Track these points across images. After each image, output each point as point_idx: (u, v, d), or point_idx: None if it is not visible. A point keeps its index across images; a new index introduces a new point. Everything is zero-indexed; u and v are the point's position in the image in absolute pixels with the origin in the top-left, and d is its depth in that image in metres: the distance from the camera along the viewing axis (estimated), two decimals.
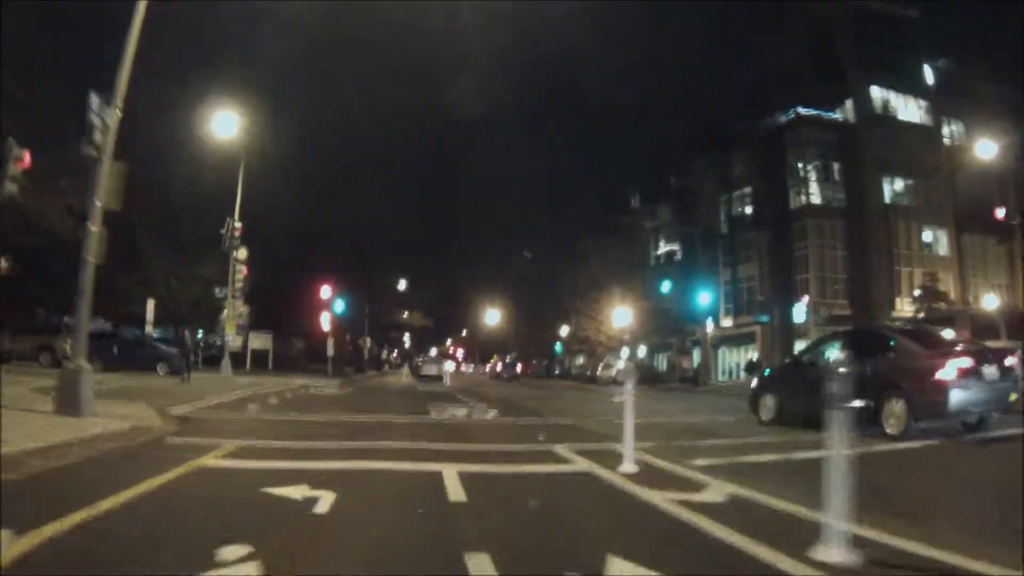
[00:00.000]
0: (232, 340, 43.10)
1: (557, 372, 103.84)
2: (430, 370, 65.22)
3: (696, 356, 73.05)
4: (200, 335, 58.65)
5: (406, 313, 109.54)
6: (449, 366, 71.56)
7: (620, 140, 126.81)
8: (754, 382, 20.83)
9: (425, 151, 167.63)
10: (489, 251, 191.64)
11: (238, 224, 41.63)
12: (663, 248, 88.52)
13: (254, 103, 45.16)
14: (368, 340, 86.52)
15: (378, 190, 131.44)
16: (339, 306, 58.49)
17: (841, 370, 6.05)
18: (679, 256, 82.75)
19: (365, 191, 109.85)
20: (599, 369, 73.16)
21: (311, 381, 40.89)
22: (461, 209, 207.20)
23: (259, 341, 56.28)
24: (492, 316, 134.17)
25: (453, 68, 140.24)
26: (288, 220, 62.45)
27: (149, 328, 45.49)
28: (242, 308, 43.51)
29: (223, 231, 41.45)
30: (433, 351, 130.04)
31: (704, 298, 65.11)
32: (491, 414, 20.56)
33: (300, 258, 64.75)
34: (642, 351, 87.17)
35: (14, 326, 41.00)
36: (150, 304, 45.58)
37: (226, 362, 42.14)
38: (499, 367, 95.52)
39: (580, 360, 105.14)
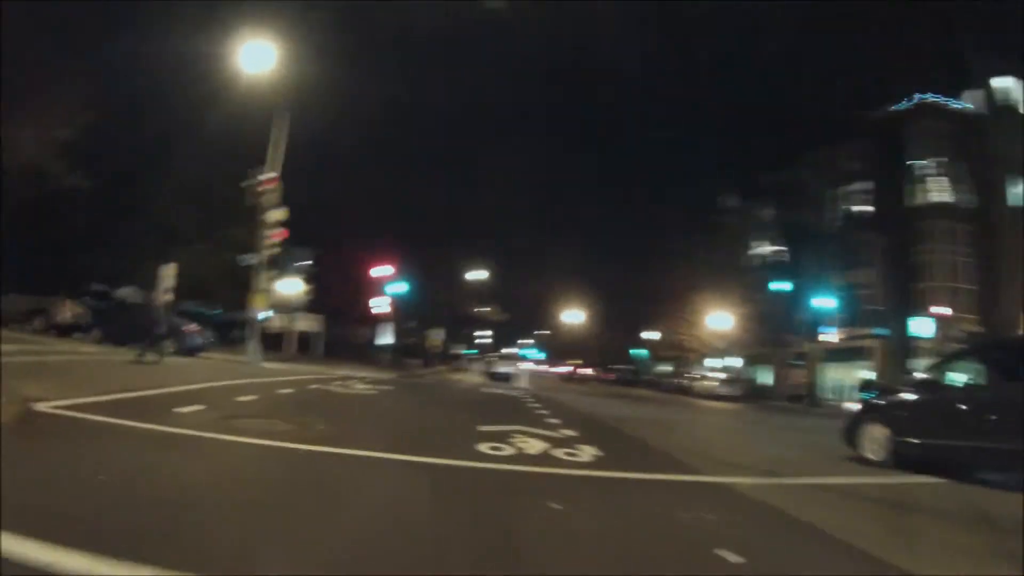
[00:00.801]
0: (261, 316, 34.84)
1: (643, 378, 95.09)
2: (503, 368, 57.60)
3: (806, 371, 64.82)
4: (218, 311, 50.86)
5: (483, 307, 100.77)
6: (524, 365, 63.53)
7: (715, 132, 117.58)
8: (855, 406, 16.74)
9: (524, 140, 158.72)
10: (575, 246, 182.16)
11: (270, 174, 33.62)
12: (762, 250, 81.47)
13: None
14: (439, 332, 78.35)
15: (465, 173, 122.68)
16: (400, 288, 49.96)
17: None
18: (781, 259, 75.56)
19: (451, 170, 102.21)
20: (695, 378, 65.67)
21: (355, 373, 34.17)
22: (547, 202, 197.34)
23: (307, 323, 48.31)
24: (574, 316, 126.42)
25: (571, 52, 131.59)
26: (360, 194, 54.91)
27: (166, 296, 37.59)
28: (271, 275, 35.29)
29: (249, 182, 33.55)
30: (509, 349, 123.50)
31: (822, 303, 59.99)
32: (585, 453, 11.49)
33: (371, 236, 56.85)
34: (734, 362, 79.99)
35: (7, 286, 36.05)
36: (168, 269, 37.73)
37: (253, 345, 34.20)
38: (570, 370, 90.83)
39: (665, 368, 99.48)
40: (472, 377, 57.41)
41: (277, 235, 34.89)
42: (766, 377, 74.18)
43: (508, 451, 10.73)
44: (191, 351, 31.88)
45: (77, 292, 36.78)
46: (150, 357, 22.20)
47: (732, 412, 38.04)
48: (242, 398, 14.50)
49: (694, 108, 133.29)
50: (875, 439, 13.72)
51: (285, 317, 48.49)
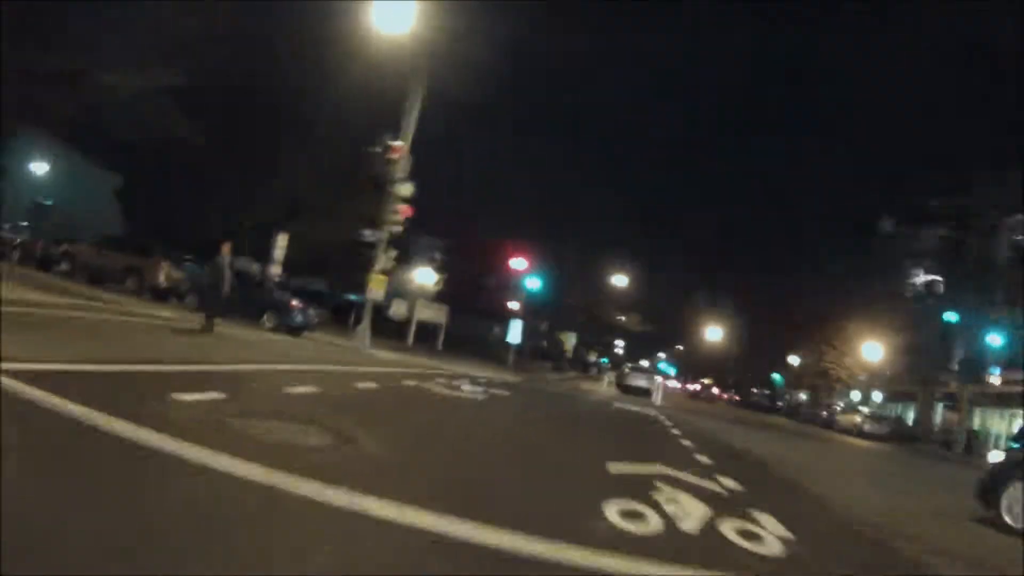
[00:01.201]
0: (375, 297, 31.40)
1: (779, 405, 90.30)
2: (638, 381, 53.11)
3: (957, 413, 59.23)
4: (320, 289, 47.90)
5: (622, 315, 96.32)
6: (661, 380, 59.07)
7: (877, 154, 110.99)
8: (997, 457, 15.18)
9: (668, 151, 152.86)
10: (723, 261, 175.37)
11: (397, 143, 30.25)
12: (921, 279, 73.75)
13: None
14: (572, 336, 74.44)
15: (612, 172, 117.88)
16: (534, 284, 46.11)
17: None
18: (939, 289, 68.07)
19: (598, 167, 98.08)
20: (837, 412, 61.08)
21: (471, 372, 30.51)
22: (690, 211, 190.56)
23: (429, 312, 44.88)
24: (713, 333, 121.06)
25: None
26: (499, 176, 51.47)
27: (276, 270, 34.79)
28: (392, 255, 31.81)
29: (373, 148, 30.22)
30: (643, 362, 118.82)
31: (986, 340, 54.00)
32: (767, 530, 7.11)
33: (507, 225, 53.46)
34: (875, 396, 75.56)
35: (104, 241, 34.44)
36: (281, 239, 34.91)
37: (363, 327, 30.95)
38: (697, 387, 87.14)
39: (800, 395, 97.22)
40: (604, 388, 53.62)
41: (402, 211, 31.56)
42: (909, 416, 69.00)
43: (653, 523, 6.59)
44: (293, 328, 29.19)
45: (176, 254, 33.85)
46: (197, 324, 18.72)
47: (887, 455, 33.57)
48: (296, 389, 10.68)
49: (855, 128, 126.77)
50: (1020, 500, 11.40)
51: (405, 304, 45.26)
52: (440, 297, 49.82)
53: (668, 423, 23.64)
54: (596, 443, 13.29)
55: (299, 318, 29.58)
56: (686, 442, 16.54)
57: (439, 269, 61.13)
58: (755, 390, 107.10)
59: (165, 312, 23.33)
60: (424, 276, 60.63)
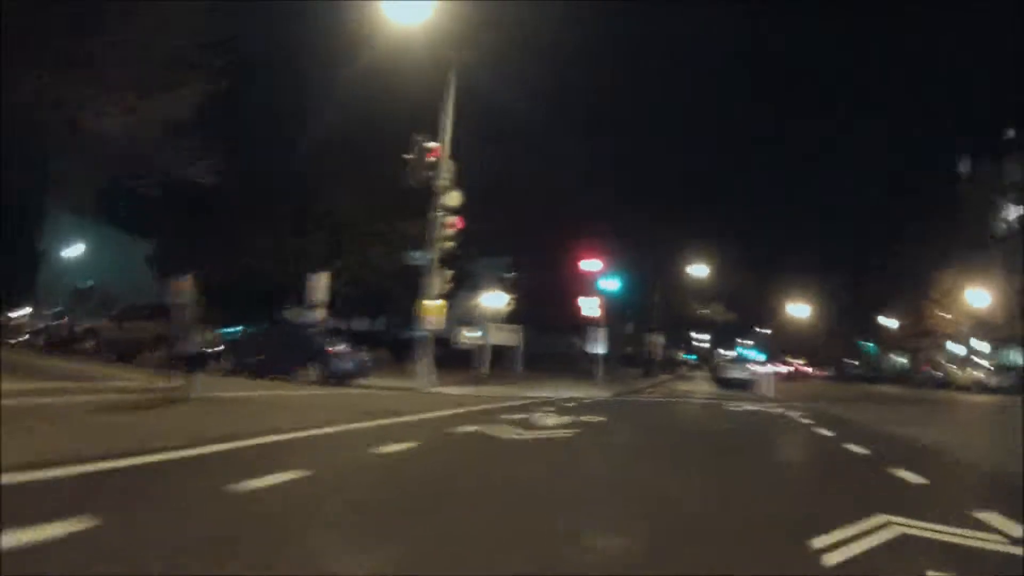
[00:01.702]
0: (434, 327, 27.12)
1: (869, 375, 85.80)
2: (736, 373, 48.90)
3: None
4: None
5: (704, 307, 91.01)
6: (760, 368, 54.25)
7: (949, 89, 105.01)
8: None
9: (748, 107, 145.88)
10: (800, 234, 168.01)
11: (432, 144, 26.07)
12: (1015, 214, 71.29)
13: None
14: (659, 336, 69.49)
15: (675, 157, 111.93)
16: (612, 284, 41.36)
17: None
18: None
19: (659, 153, 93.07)
20: (951, 369, 56.34)
21: (557, 393, 26.76)
22: (759, 187, 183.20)
23: (502, 335, 40.42)
24: (798, 310, 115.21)
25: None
26: (555, 173, 47.31)
27: (320, 313, 30.58)
28: (447, 277, 27.48)
29: (410, 155, 26.07)
30: (728, 351, 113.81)
31: None
32: None
33: (573, 225, 48.84)
34: (980, 346, 70.27)
35: (127, 311, 31.11)
36: (320, 276, 30.66)
37: (424, 363, 26.78)
38: (791, 369, 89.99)
39: (900, 359, 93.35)
40: (700, 386, 48.95)
41: (452, 225, 27.29)
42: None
43: None
44: (340, 377, 25.15)
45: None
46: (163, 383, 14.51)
47: None
48: (265, 480, 6.26)
49: (916, 70, 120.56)
50: None
51: (475, 330, 40.93)
52: (514, 317, 45.37)
53: (803, 419, 19.54)
54: (748, 482, 8.74)
55: (344, 365, 25.48)
56: (855, 448, 12.11)
57: (508, 289, 56.72)
58: (846, 361, 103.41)
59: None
60: (493, 300, 56.35)
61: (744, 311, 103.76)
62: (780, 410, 23.92)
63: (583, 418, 15.69)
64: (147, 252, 48.29)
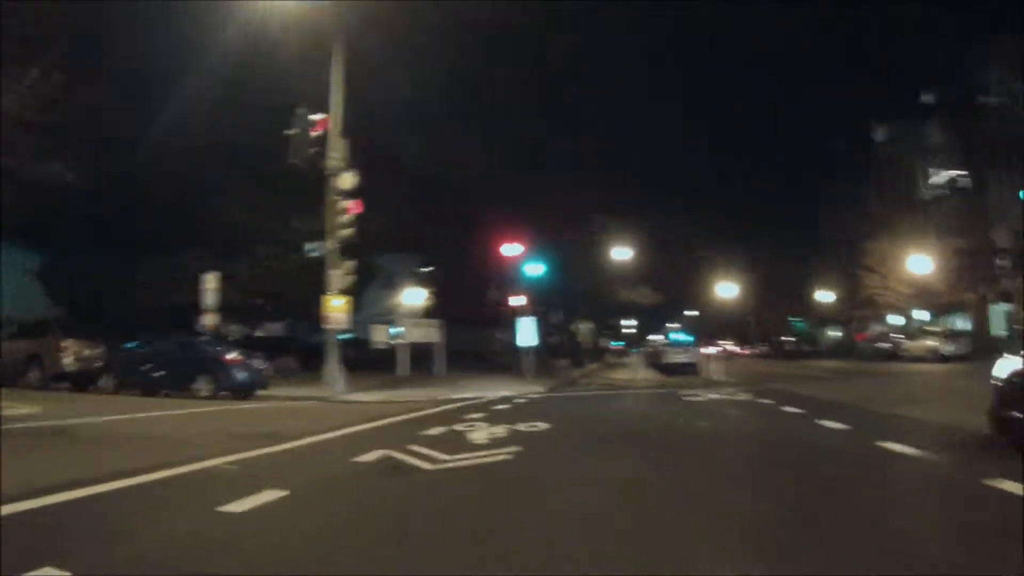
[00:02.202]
0: (337, 326, 23.81)
1: (807, 351, 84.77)
2: (678, 357, 46.38)
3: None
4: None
5: (630, 292, 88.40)
6: (702, 350, 51.93)
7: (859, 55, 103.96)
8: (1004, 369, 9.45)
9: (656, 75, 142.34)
10: (723, 210, 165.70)
11: (317, 117, 22.84)
12: (936, 178, 69.95)
13: None
14: (587, 325, 66.79)
15: (589, 126, 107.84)
16: (536, 269, 38.21)
17: None
18: (968, 183, 64.04)
19: (571, 119, 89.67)
20: (901, 339, 57.27)
21: (486, 392, 23.65)
22: (683, 160, 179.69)
23: (419, 331, 37.15)
24: (725, 290, 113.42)
25: None
26: (463, 156, 44.25)
27: (210, 319, 27.11)
28: (349, 269, 24.15)
29: (291, 131, 22.76)
30: (656, 336, 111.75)
31: None
32: None
33: (485, 210, 45.72)
34: (919, 315, 68.52)
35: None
36: (209, 279, 27.18)
37: (331, 368, 23.57)
38: (719, 350, 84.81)
39: (834, 333, 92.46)
40: (637, 373, 46.02)
41: (349, 209, 23.99)
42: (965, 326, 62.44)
43: None
44: (236, 390, 21.83)
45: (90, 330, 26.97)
46: None
47: None
48: None
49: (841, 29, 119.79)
50: None
51: (387, 329, 37.71)
52: (432, 314, 42.35)
53: (782, 406, 17.02)
54: (775, 519, 5.75)
55: (240, 376, 22.06)
56: (898, 447, 9.18)
57: (424, 284, 53.69)
58: (783, 339, 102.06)
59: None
60: (410, 296, 53.45)
61: (671, 293, 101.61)
62: (745, 396, 21.10)
63: (521, 427, 12.47)
64: (33, 267, 44.52)
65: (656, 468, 8.78)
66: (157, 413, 15.93)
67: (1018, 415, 8.64)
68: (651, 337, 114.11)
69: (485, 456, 9.21)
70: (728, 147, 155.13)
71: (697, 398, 20.93)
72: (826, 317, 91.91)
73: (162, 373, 22.67)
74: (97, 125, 28.85)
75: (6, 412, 14.31)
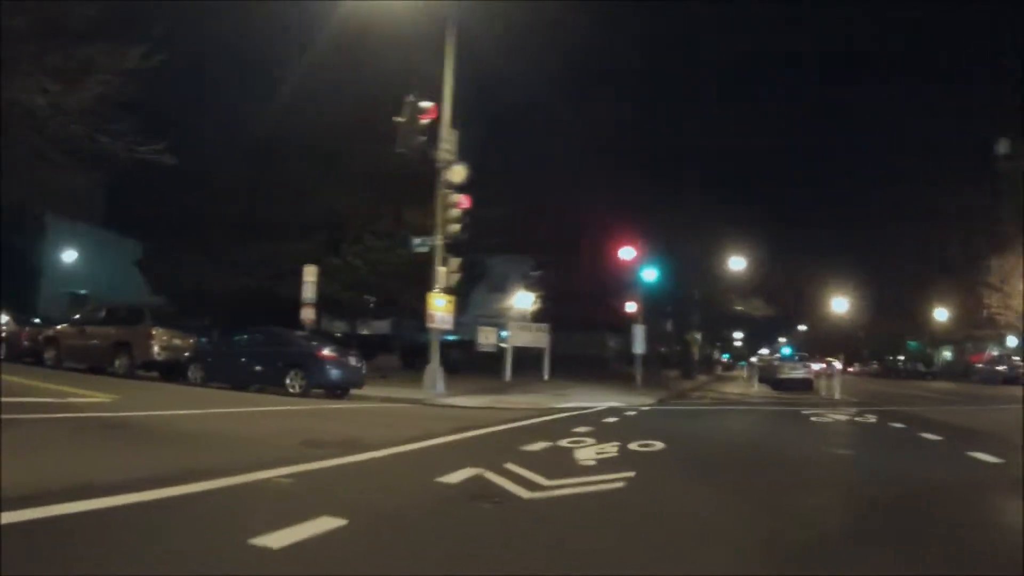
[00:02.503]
0: (440, 325, 22.59)
1: (920, 371, 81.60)
2: (794, 372, 44.94)
3: None
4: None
5: (743, 303, 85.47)
6: (817, 366, 49.59)
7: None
8: None
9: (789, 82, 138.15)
10: (838, 221, 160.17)
11: (426, 104, 21.65)
12: None
13: None
14: (698, 335, 64.69)
15: (717, 137, 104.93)
16: (651, 275, 36.40)
17: None
18: None
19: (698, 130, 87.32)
20: None
21: (590, 403, 22.15)
22: (806, 175, 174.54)
23: (527, 335, 35.72)
24: (838, 305, 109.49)
25: None
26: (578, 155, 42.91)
27: (308, 313, 26.07)
28: (456, 266, 22.90)
29: (400, 119, 21.65)
30: (763, 350, 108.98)
31: None
32: None
33: (599, 211, 44.25)
34: None
35: (88, 317, 27.12)
36: (309, 270, 26.20)
37: (431, 369, 22.40)
38: (822, 367, 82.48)
39: (947, 354, 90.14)
40: (747, 387, 44.53)
41: (458, 204, 22.75)
42: None
43: None
44: (332, 388, 21.08)
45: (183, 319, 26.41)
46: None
47: None
48: None
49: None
50: None
51: (495, 331, 36.36)
52: (540, 317, 40.92)
53: (926, 433, 14.91)
54: None
55: (334, 373, 20.93)
56: None
57: (533, 288, 52.31)
58: (895, 358, 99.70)
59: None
60: (520, 299, 52.10)
61: (784, 308, 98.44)
62: (872, 418, 19.22)
63: (634, 446, 10.87)
64: (136, 256, 44.66)
65: (802, 512, 7.12)
66: (234, 409, 14.80)
67: None
68: (761, 351, 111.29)
69: (593, 483, 7.67)
70: (849, 160, 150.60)
71: (822, 419, 19.08)
72: (940, 337, 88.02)
73: (253, 367, 21.76)
74: (203, 111, 28.51)
75: (73, 400, 13.37)
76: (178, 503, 5.79)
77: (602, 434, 12.50)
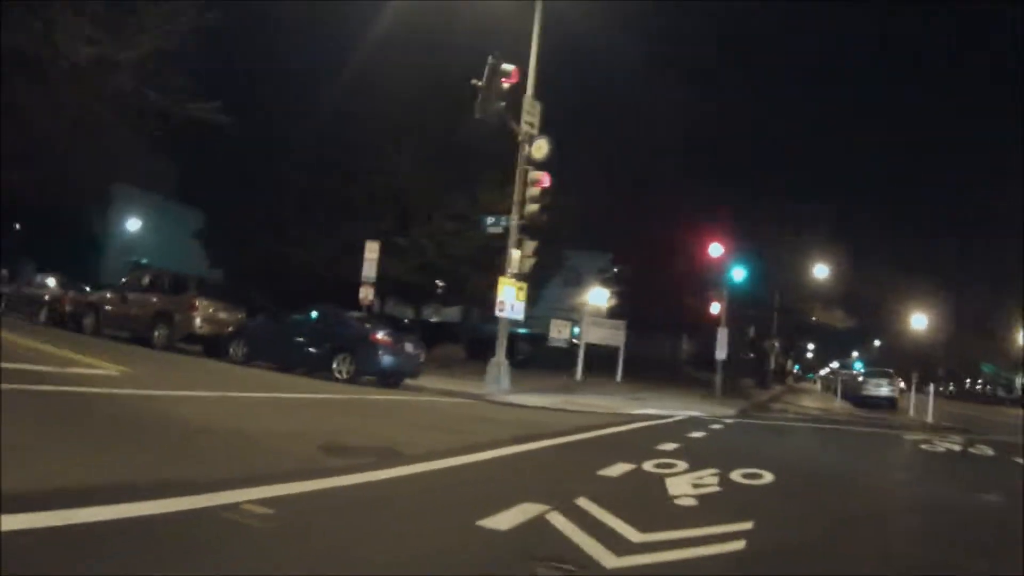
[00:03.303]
0: (510, 315, 20.46)
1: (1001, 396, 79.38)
2: (879, 389, 42.98)
3: None
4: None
5: (825, 313, 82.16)
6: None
7: None
8: None
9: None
10: (924, 237, 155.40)
11: (509, 67, 19.48)
12: None
13: None
14: (776, 343, 61.82)
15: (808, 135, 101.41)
16: (739, 274, 33.80)
17: None
18: None
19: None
20: None
21: (667, 411, 19.92)
22: (896, 183, 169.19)
23: (601, 332, 33.54)
24: (916, 321, 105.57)
25: None
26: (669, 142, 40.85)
27: (367, 293, 24.08)
28: (531, 248, 20.74)
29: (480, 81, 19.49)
30: (834, 363, 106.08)
31: None
32: None
33: (678, 212, 41.86)
34: None
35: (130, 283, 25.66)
36: (371, 247, 24.24)
37: (496, 361, 20.26)
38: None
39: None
40: (824, 402, 42.58)
41: (538, 182, 20.58)
42: None
43: None
44: (383, 375, 19.61)
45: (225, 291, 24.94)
46: None
47: None
48: None
49: None
50: None
51: (568, 325, 34.30)
52: (614, 315, 38.77)
53: None
54: None
55: (386, 359, 18.92)
56: None
57: (609, 284, 50.23)
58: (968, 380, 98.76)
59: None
60: (595, 296, 50.12)
61: (863, 320, 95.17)
62: (986, 448, 16.86)
63: (737, 477, 8.59)
64: (197, 225, 43.42)
65: None
66: (261, 394, 12.87)
67: None
68: (832, 364, 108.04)
69: (701, 540, 5.43)
70: (943, 171, 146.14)
71: (932, 448, 16.56)
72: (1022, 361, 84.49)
73: (302, 348, 19.81)
74: (270, 78, 27.06)
75: (73, 370, 11.54)
76: (84, 534, 3.78)
77: (693, 454, 10.23)
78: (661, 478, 8.07)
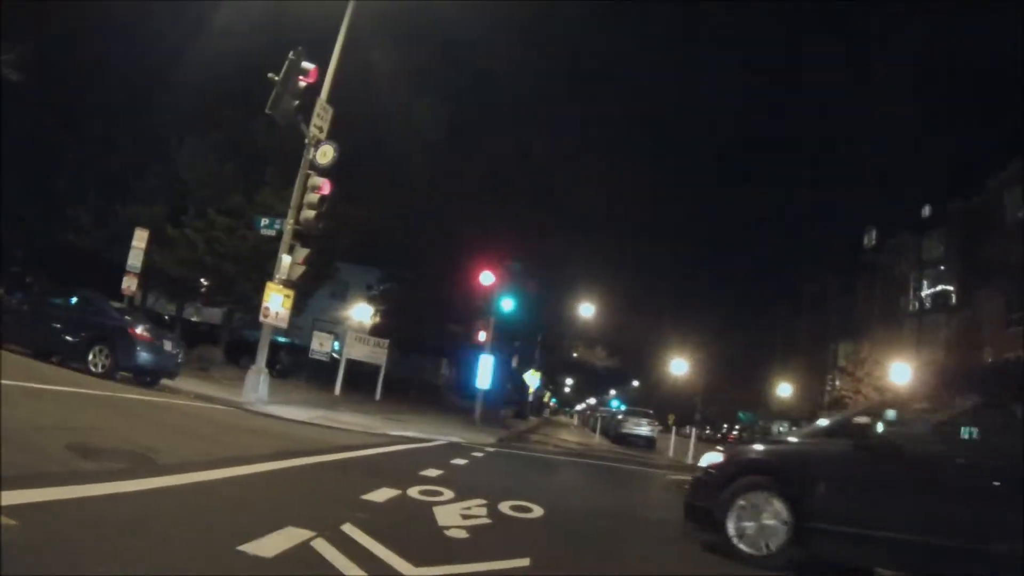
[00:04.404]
0: (274, 322, 19.70)
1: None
2: (638, 428, 43.57)
3: None
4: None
5: (587, 349, 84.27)
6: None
7: (854, 170, 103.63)
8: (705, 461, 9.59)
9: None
10: (690, 288, 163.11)
11: (309, 66, 18.90)
12: (929, 290, 67.26)
13: None
14: (537, 375, 62.71)
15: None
16: (508, 304, 34.03)
17: None
18: (952, 300, 62.11)
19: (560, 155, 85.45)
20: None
21: (431, 435, 19.71)
22: (661, 229, 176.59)
23: (364, 349, 32.98)
24: (676, 367, 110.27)
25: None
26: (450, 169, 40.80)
27: (130, 283, 22.74)
28: (302, 256, 20.08)
29: (278, 75, 18.76)
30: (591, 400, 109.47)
31: None
32: None
33: (457, 236, 41.84)
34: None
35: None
36: (139, 235, 22.97)
37: (255, 370, 19.55)
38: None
39: (780, 427, 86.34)
40: (583, 437, 43.94)
41: (319, 188, 19.96)
42: None
43: None
44: (141, 373, 18.45)
45: None
46: None
47: None
48: None
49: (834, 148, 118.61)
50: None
51: (330, 338, 33.67)
52: (377, 333, 38.20)
53: None
54: None
55: (144, 356, 17.83)
56: None
57: (376, 301, 49.84)
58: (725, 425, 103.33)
59: None
60: (361, 312, 49.81)
61: (624, 360, 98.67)
62: None
63: (506, 509, 8.42)
64: None
65: None
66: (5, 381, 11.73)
67: (701, 503, 8.75)
68: (589, 400, 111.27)
69: None
70: (717, 228, 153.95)
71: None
72: (780, 412, 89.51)
73: (59, 335, 18.35)
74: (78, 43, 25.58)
75: None
76: None
77: (459, 483, 9.99)
78: (429, 506, 7.83)
